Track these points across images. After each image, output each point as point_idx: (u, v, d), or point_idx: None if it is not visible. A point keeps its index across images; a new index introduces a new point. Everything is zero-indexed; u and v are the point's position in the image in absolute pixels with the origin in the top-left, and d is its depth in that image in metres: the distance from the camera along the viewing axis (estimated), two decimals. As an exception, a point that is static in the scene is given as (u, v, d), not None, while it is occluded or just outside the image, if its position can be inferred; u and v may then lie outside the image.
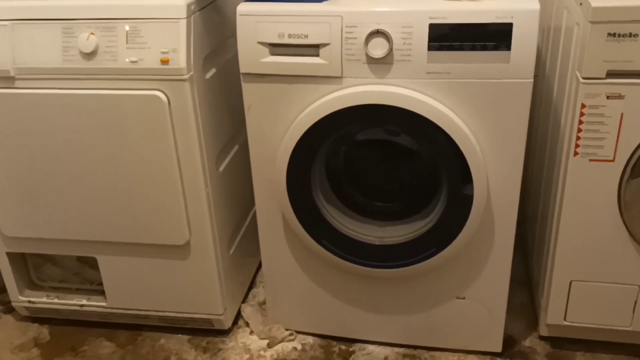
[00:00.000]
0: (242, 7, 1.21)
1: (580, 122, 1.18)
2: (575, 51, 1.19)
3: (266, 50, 1.22)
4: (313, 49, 1.20)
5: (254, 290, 1.71)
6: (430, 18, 1.14)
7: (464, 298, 1.41)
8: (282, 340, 1.54)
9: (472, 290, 1.39)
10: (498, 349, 1.46)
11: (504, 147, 1.22)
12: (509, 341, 1.49)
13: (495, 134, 1.21)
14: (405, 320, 1.47)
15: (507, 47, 1.13)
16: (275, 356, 1.50)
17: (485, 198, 1.25)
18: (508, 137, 1.21)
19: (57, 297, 1.59)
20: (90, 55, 1.26)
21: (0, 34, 1.27)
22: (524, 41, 1.12)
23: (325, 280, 1.46)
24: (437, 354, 1.48)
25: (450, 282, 1.39)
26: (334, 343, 1.53)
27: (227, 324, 1.56)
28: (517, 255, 1.38)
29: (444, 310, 1.43)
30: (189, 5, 1.23)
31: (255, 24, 1.21)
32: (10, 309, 1.65)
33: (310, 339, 1.54)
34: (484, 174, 1.22)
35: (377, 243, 1.35)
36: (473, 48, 1.14)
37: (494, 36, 1.13)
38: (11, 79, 1.29)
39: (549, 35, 1.51)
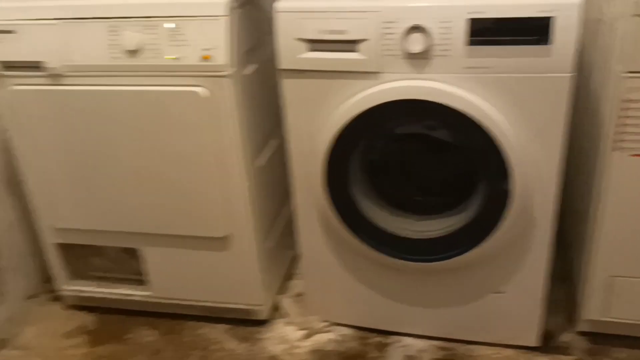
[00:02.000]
0: (280, 4, 1.23)
1: (622, 117, 1.17)
2: (618, 45, 1.17)
3: (304, 46, 1.24)
4: (351, 45, 1.21)
5: (291, 282, 1.74)
6: (469, 13, 1.14)
7: (501, 292, 1.40)
8: (319, 332, 1.56)
9: (510, 284, 1.39)
10: (536, 343, 1.45)
11: (543, 141, 1.21)
12: (547, 336, 1.48)
13: (534, 129, 1.20)
14: (441, 314, 1.47)
15: (548, 41, 1.12)
16: (312, 347, 1.53)
17: (524, 193, 1.24)
18: (547, 131, 1.20)
19: (103, 287, 1.64)
20: (134, 53, 1.29)
21: (49, 32, 1.32)
22: (565, 35, 1.11)
23: (362, 273, 1.48)
24: (473, 347, 1.49)
25: (488, 276, 1.39)
26: (371, 335, 1.55)
27: (266, 315, 1.59)
28: (555, 250, 1.37)
29: (482, 304, 1.43)
30: (229, 3, 1.26)
31: (294, 20, 1.22)
32: (58, 298, 1.72)
33: (346, 331, 1.56)
34: (523, 168, 1.21)
35: (415, 237, 1.36)
36: (513, 42, 1.13)
37: (534, 30, 1.12)
38: (59, 76, 1.34)
39: (589, 29, 1.49)
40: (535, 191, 1.26)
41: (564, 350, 1.46)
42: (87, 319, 1.67)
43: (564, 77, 1.14)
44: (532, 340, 1.45)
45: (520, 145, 1.20)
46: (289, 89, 1.29)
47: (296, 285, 1.71)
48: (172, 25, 1.27)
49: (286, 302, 1.64)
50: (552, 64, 1.13)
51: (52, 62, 1.33)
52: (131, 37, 1.28)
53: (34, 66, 1.34)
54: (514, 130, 1.19)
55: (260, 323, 1.60)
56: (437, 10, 1.15)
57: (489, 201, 1.26)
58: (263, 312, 1.58)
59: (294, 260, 1.79)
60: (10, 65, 1.36)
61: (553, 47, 1.12)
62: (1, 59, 1.35)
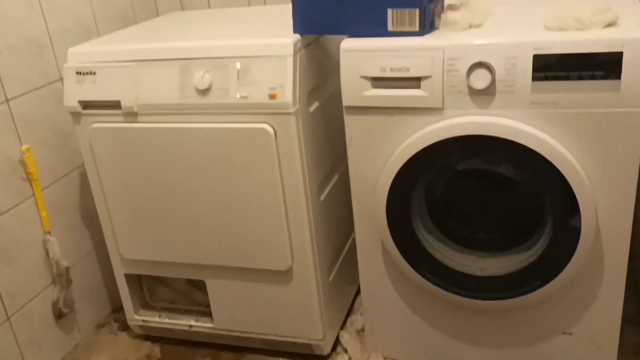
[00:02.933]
0: (345, 44, 1.26)
1: (699, 152, 1.13)
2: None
3: (368, 83, 1.26)
4: (414, 82, 1.23)
5: (351, 318, 1.73)
6: (535, 49, 1.13)
7: (570, 334, 1.35)
8: (380, 369, 1.55)
9: (580, 326, 1.34)
10: (609, 389, 1.39)
11: (614, 177, 1.18)
12: (620, 382, 1.41)
13: (604, 165, 1.17)
14: (507, 354, 1.43)
15: (617, 76, 1.10)
16: (373, 384, 1.51)
17: (594, 230, 1.20)
18: (618, 167, 1.17)
19: (168, 317, 1.68)
20: (204, 92, 1.35)
21: (126, 74, 1.40)
22: (635, 70, 1.09)
23: (425, 310, 1.46)
24: (541, 391, 1.43)
25: (556, 316, 1.35)
26: (433, 374, 1.52)
27: (327, 350, 1.59)
28: (629, 292, 1.31)
29: (549, 346, 1.38)
30: (295, 43, 1.30)
31: (359, 59, 1.25)
32: (126, 327, 1.77)
33: (408, 369, 1.54)
34: (593, 205, 1.18)
35: (479, 274, 1.33)
36: (580, 78, 1.12)
37: (602, 65, 1.10)
38: (134, 114, 1.41)
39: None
40: (607, 228, 1.22)
41: (640, 397, 1.39)
42: (152, 349, 1.71)
43: (635, 112, 1.11)
44: (605, 385, 1.39)
45: (590, 181, 1.17)
46: (353, 125, 1.31)
47: (357, 320, 1.70)
48: (241, 65, 1.32)
49: (347, 337, 1.64)
50: (622, 99, 1.11)
51: (128, 101, 1.40)
52: (201, 77, 1.34)
53: (111, 105, 1.42)
54: (583, 166, 1.17)
55: (322, 358, 1.60)
56: (502, 47, 1.16)
57: (556, 238, 1.23)
58: (324, 347, 1.58)
59: (355, 295, 1.79)
60: (90, 105, 1.44)
61: (622, 82, 1.10)
62: (82, 98, 1.44)
